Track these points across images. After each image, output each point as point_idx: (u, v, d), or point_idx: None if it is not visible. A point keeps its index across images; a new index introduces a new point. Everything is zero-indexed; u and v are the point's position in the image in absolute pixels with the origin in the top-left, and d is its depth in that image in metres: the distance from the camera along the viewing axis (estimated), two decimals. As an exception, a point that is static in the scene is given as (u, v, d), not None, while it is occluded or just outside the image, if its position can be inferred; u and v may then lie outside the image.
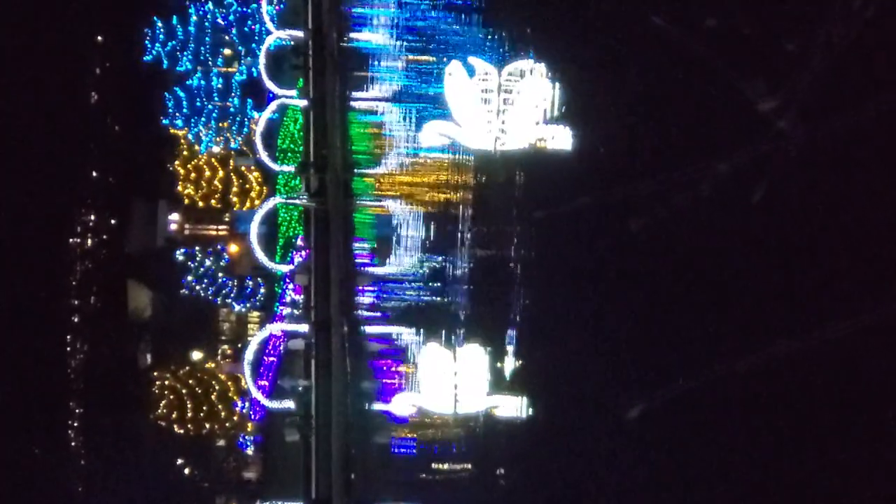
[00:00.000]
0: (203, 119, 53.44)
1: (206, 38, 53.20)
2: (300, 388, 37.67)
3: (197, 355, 56.81)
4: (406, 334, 40.55)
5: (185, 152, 54.95)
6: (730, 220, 44.27)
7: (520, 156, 40.92)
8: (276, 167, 43.88)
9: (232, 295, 54.41)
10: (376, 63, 41.78)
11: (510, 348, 43.08)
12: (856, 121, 42.55)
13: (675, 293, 45.04)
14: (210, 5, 53.29)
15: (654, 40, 44.76)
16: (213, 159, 54.90)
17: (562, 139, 40.63)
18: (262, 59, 42.17)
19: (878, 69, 43.15)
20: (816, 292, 44.02)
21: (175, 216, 56.48)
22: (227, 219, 55.87)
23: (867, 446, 43.72)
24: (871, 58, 42.98)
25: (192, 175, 54.93)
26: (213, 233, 56.09)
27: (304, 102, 40.13)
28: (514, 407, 40.48)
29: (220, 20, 53.29)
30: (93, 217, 61.15)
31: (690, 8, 44.43)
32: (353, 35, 41.52)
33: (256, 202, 53.57)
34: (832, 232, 44.56)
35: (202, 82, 53.27)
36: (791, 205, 44.68)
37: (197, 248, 54.69)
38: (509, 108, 40.29)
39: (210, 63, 53.34)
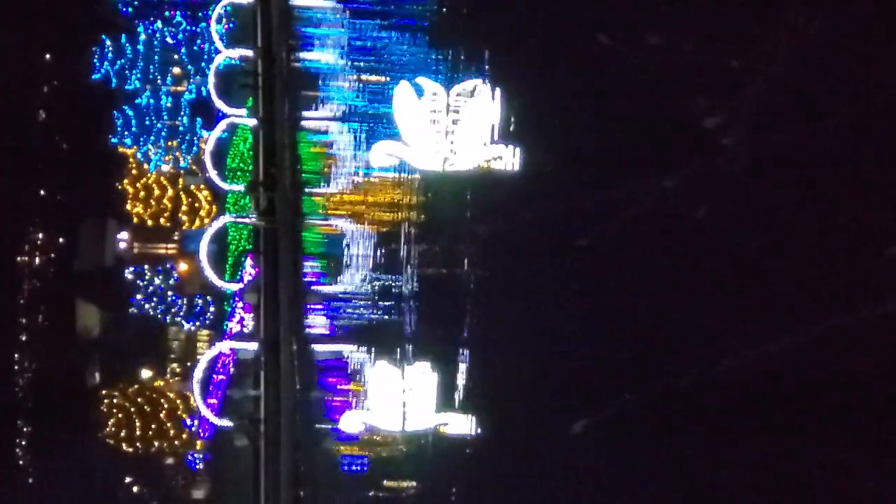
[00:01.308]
0: (152, 138, 53.35)
1: (155, 57, 53.14)
2: (250, 397, 37.82)
3: (146, 373, 56.69)
4: (355, 352, 40.69)
5: (133, 171, 54.83)
6: (675, 235, 44.63)
7: (468, 175, 41.18)
8: (225, 186, 43.86)
9: (181, 313, 54.35)
10: (326, 82, 41.92)
11: (459, 366, 43.25)
12: (800, 136, 43.03)
13: (625, 308, 45.33)
14: (159, 24, 53.22)
15: (600, 58, 45.10)
16: (162, 178, 54.82)
17: (510, 159, 40.95)
18: (211, 79, 42.20)
19: (821, 85, 43.61)
20: (762, 306, 44.43)
21: (124, 235, 56.33)
22: (176, 237, 55.77)
23: (824, 459, 44.18)
24: (814, 74, 43.43)
25: (141, 194, 54.83)
26: (163, 251, 55.98)
27: (253, 122, 40.28)
28: (463, 425, 40.71)
29: (169, 39, 53.26)
30: (41, 235, 60.90)
31: (636, 26, 44.79)
32: (302, 54, 41.66)
33: (206, 221, 53.55)
34: (776, 247, 45.00)
35: (151, 101, 53.19)
36: (734, 220, 45.08)
37: (146, 266, 54.61)
38: (458, 128, 40.56)
39: (159, 82, 53.28)
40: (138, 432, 55.11)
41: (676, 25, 44.81)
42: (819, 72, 43.32)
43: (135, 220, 55.47)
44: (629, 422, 43.56)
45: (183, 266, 54.76)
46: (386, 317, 42.40)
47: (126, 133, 53.43)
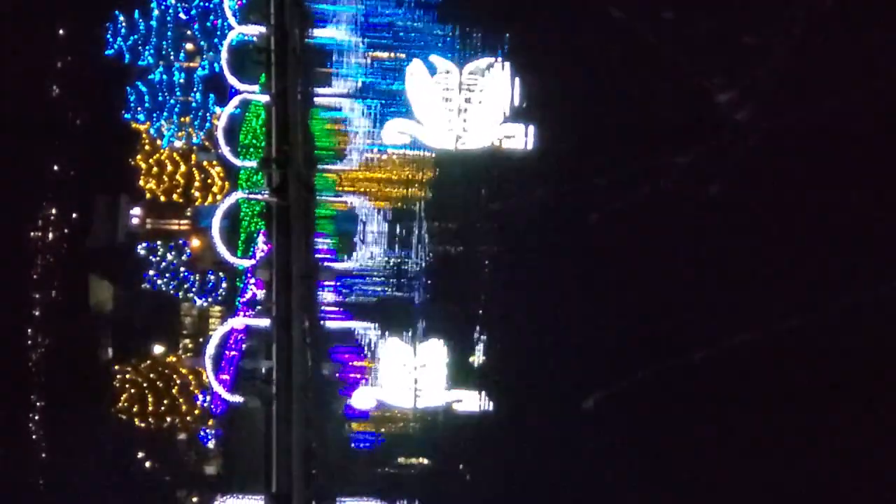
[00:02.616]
0: (165, 114, 53.18)
1: (169, 33, 52.98)
2: (262, 366, 37.96)
3: (158, 349, 56.75)
4: (367, 329, 40.73)
5: (146, 147, 54.68)
6: (689, 212, 44.54)
7: (480, 153, 41.18)
8: (238, 162, 43.87)
9: (194, 289, 54.31)
10: (339, 59, 41.88)
11: (471, 343, 43.28)
12: (814, 113, 42.89)
13: (639, 285, 45.31)
14: (172, 0, 53.12)
15: (613, 34, 44.97)
16: (174, 154, 54.68)
17: (522, 136, 40.93)
18: (224, 55, 42.18)
19: (836, 62, 43.46)
20: (775, 283, 44.37)
21: (137, 211, 56.31)
22: (188, 213, 55.72)
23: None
24: (829, 51, 43.28)
25: (154, 170, 54.71)
26: (175, 227, 55.93)
27: (266, 98, 40.23)
28: (474, 401, 40.75)
29: (182, 15, 53.08)
30: (54, 211, 61.02)
31: (650, 1, 44.67)
32: (315, 31, 41.60)
33: (218, 197, 53.42)
34: (790, 224, 44.90)
35: (164, 77, 53.03)
36: (748, 197, 44.97)
37: (159, 242, 54.53)
38: (470, 106, 40.55)
39: (172, 58, 53.10)
40: (150, 408, 55.16)
41: (691, 1, 44.69)
42: (835, 49, 43.17)
43: (147, 195, 55.35)
44: (642, 398, 43.55)
45: (195, 242, 54.72)
46: (398, 294, 42.41)
47: (139, 109, 53.27)
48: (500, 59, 41.37)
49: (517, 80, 41.42)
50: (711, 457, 44.58)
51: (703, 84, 44.57)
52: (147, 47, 52.93)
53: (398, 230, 42.18)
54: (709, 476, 44.84)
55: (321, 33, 41.75)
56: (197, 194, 55.12)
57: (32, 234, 60.93)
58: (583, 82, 45.68)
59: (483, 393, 40.50)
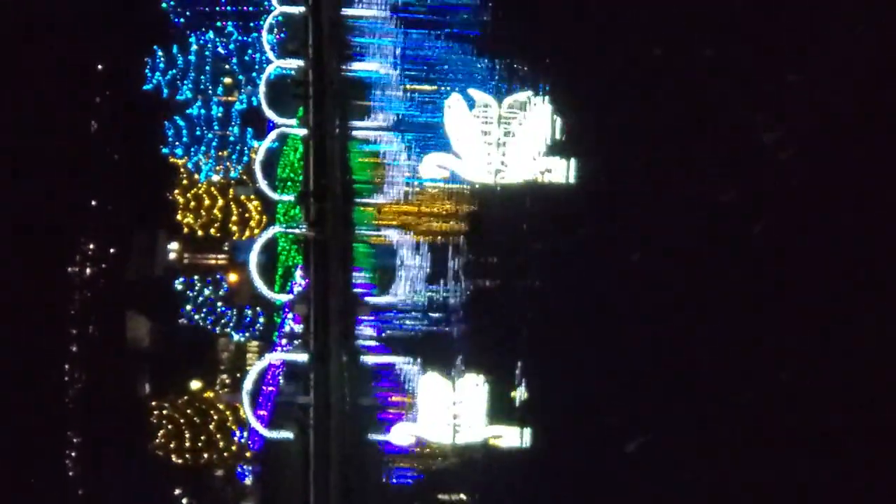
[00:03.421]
0: (203, 148, 53.32)
1: (207, 67, 53.16)
2: (300, 397, 37.93)
3: (196, 385, 56.59)
4: (406, 364, 40.47)
5: (184, 181, 54.76)
6: (731, 252, 44.22)
7: (520, 188, 41.01)
8: (275, 196, 43.86)
9: (231, 324, 54.23)
10: (377, 92, 41.83)
11: (511, 378, 42.97)
12: (859, 152, 42.58)
13: (680, 323, 44.90)
14: (211, 34, 53.28)
15: (656, 72, 44.82)
16: (212, 188, 54.73)
17: (562, 171, 40.74)
18: (262, 88, 42.26)
19: (881, 99, 43.20)
20: (819, 323, 43.93)
21: (174, 245, 56.28)
22: (226, 248, 55.68)
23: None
24: (874, 88, 43.05)
25: (192, 204, 54.74)
26: (213, 262, 55.88)
27: (303, 131, 40.30)
28: (515, 437, 40.40)
29: (220, 49, 53.28)
30: (92, 246, 60.98)
31: (690, 39, 44.55)
32: (353, 64, 41.61)
33: (256, 231, 53.43)
34: (837, 264, 44.46)
35: (202, 111, 53.19)
36: (791, 236, 44.63)
37: (196, 277, 54.50)
38: (510, 140, 40.38)
39: (210, 92, 53.27)
40: (188, 444, 54.98)
41: (732, 38, 44.55)
42: (879, 86, 42.86)
43: (185, 230, 55.36)
44: (688, 442, 43.09)
45: (233, 277, 54.68)
46: (436, 328, 42.13)
47: (177, 143, 53.43)
48: (539, 92, 41.23)
49: (557, 114, 41.24)
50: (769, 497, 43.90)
51: (745, 121, 44.35)
52: (185, 81, 53.10)
53: (437, 264, 41.92)
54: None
55: (359, 66, 41.74)
56: (234, 228, 55.08)
57: (70, 269, 60.89)
58: (625, 117, 45.45)
59: (524, 429, 40.14)
